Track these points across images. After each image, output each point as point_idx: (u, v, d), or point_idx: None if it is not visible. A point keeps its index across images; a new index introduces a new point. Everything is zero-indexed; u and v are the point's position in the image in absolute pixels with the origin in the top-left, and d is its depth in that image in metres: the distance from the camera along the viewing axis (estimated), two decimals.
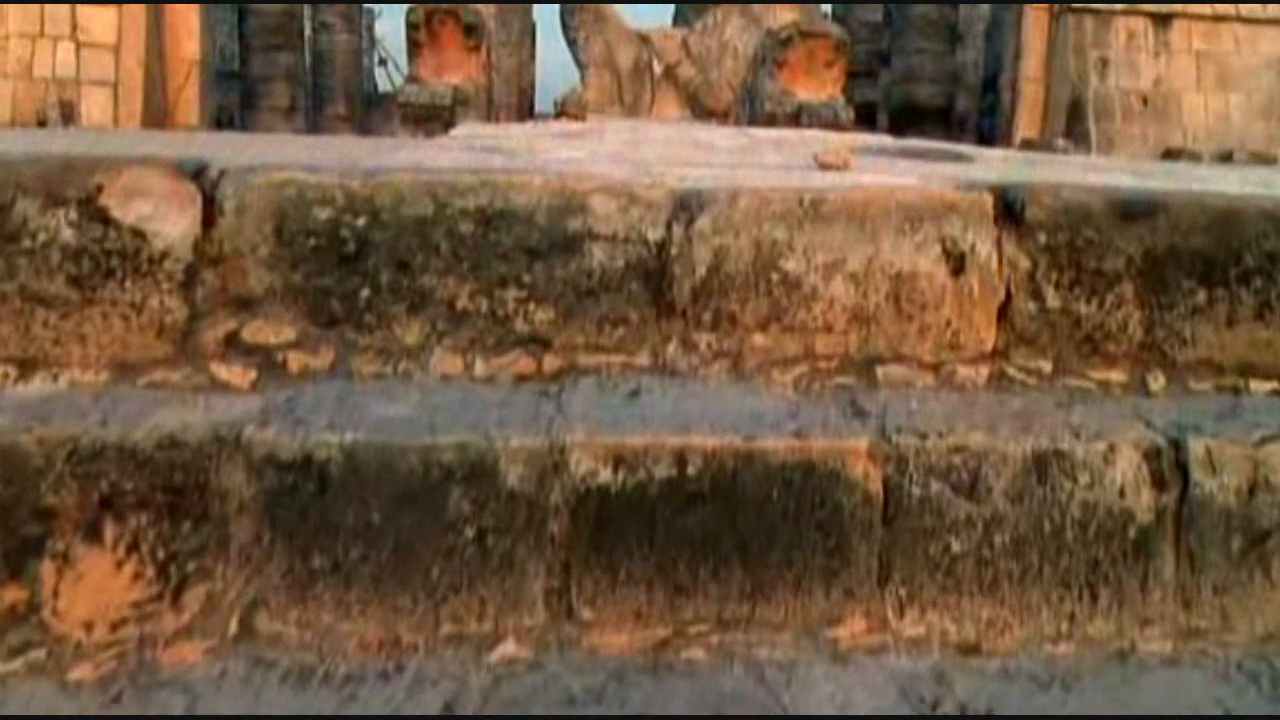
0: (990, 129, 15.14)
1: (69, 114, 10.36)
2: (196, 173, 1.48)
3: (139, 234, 1.40)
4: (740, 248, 1.46)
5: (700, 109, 6.10)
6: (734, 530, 1.24)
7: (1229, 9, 10.93)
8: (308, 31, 19.20)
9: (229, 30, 16.08)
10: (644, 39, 6.07)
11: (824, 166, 2.31)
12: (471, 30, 9.79)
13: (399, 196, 1.42)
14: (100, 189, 1.40)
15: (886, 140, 3.53)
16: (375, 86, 22.49)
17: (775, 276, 1.46)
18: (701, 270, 1.46)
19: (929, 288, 1.49)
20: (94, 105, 10.43)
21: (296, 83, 15.24)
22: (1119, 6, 11.16)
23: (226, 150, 2.01)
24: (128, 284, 1.39)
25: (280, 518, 1.21)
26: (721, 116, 6.20)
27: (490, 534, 1.23)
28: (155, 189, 1.43)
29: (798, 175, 2.00)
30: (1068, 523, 1.29)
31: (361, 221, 1.42)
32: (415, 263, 1.43)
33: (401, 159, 1.99)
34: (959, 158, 3.05)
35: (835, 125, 9.11)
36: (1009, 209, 1.54)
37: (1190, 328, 1.57)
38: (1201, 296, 1.56)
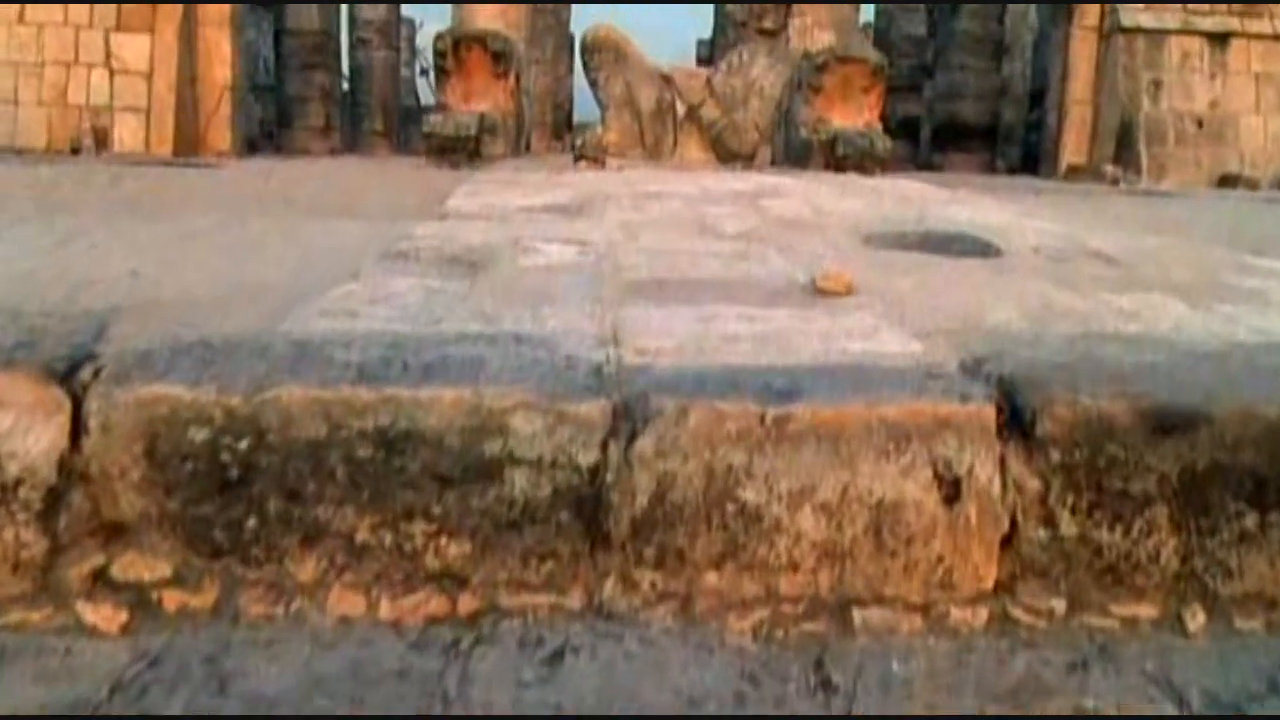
0: (1036, 145, 14.66)
1: (102, 140, 10.41)
2: (69, 371, 1.29)
3: None
4: (689, 474, 1.23)
5: (725, 151, 5.87)
6: None
7: None
8: (345, 47, 19.29)
9: (270, 45, 16.16)
10: (666, 79, 5.86)
11: (822, 292, 2.07)
12: (500, 57, 9.64)
13: (287, 417, 1.21)
14: None
15: (908, 220, 3.27)
16: (417, 98, 22.55)
17: (731, 507, 1.24)
18: (643, 499, 1.23)
19: (917, 518, 1.25)
20: (126, 131, 10.46)
21: (332, 101, 15.27)
22: (1173, 26, 10.69)
23: (148, 282, 1.83)
24: None
25: None
26: (747, 159, 5.95)
27: None
28: (18, 399, 1.25)
29: (782, 319, 1.76)
30: None
31: (244, 444, 1.22)
32: (308, 490, 1.23)
33: (334, 300, 1.79)
34: (985, 251, 2.79)
35: (871, 155, 8.83)
36: (1016, 418, 1.30)
37: (1236, 556, 1.31)
38: (1251, 520, 1.30)
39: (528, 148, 11.89)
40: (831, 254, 2.70)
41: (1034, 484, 1.28)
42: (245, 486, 1.23)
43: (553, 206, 3.54)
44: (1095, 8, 11.05)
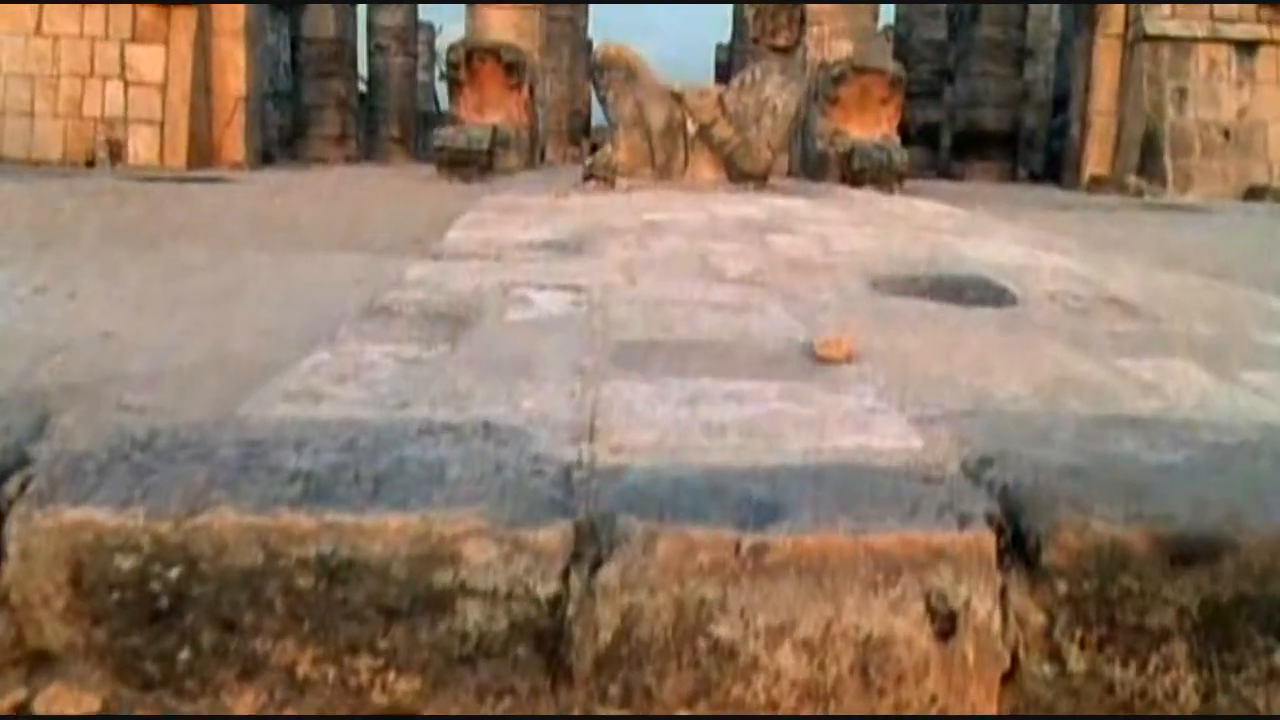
0: (1059, 151, 14.43)
1: (117, 152, 10.42)
2: None
3: None
4: (658, 607, 1.13)
5: (737, 171, 5.76)
6: None
7: None
8: (363, 54, 19.32)
9: (289, 51, 16.18)
10: (677, 97, 5.75)
11: (821, 360, 1.96)
12: (513, 69, 9.59)
13: (220, 544, 1.12)
14: None
15: (920, 260, 3.15)
16: (436, 103, 22.55)
17: (703, 643, 1.13)
18: (608, 634, 1.13)
19: (908, 655, 1.14)
20: (140, 143, 10.47)
21: (348, 110, 15.27)
22: (1200, 34, 10.47)
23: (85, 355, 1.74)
24: None
25: None
26: (759, 178, 5.84)
27: None
28: None
29: (774, 400, 1.65)
30: None
31: (175, 573, 1.12)
32: (245, 621, 1.13)
33: (302, 375, 1.70)
34: (999, 298, 2.67)
35: (888, 169, 8.69)
36: (1019, 542, 1.18)
37: (1264, 695, 1.19)
38: None
39: (543, 157, 11.82)
40: (837, 302, 2.59)
41: (1038, 617, 1.16)
42: (177, 617, 1.14)
43: (552, 243, 3.44)
44: (1119, 14, 10.85)
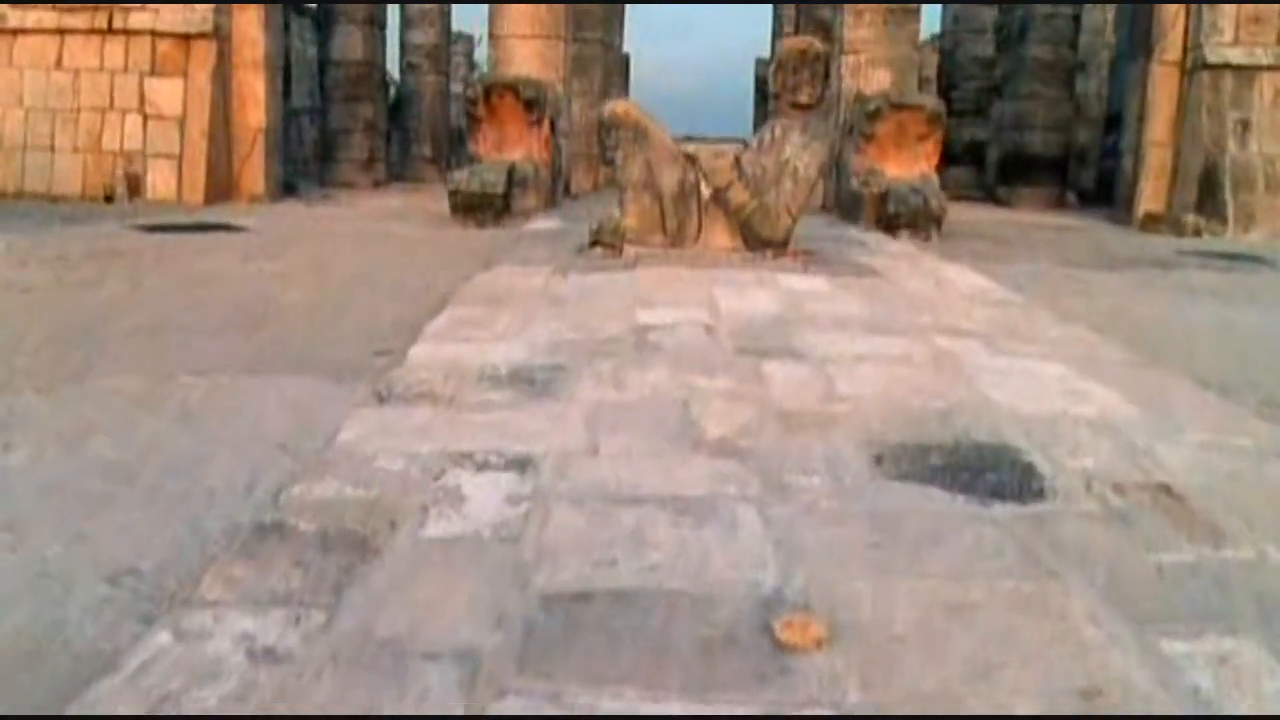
0: (1111, 171, 13.74)
1: (135, 187, 10.29)
2: None
3: None
4: None
5: (754, 238, 5.37)
6: None
7: None
8: (397, 71, 19.18)
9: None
10: (690, 158, 5.36)
11: (784, 646, 1.56)
12: (532, 105, 9.26)
13: None
14: None
15: (937, 413, 2.72)
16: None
17: None
18: None
19: None
20: (159, 178, 10.32)
21: (375, 133, 15.07)
22: (1265, 61, 9.81)
23: None
24: None
25: None
26: (779, 246, 5.43)
27: None
28: None
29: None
30: None
31: None
32: None
33: (119, 685, 1.34)
34: (1025, 489, 2.24)
35: (924, 214, 8.23)
36: None
37: None
38: None
39: (567, 189, 11.47)
40: (829, 495, 2.18)
41: None
42: None
43: (521, 372, 3.06)
44: (1177, 41, 10.22)
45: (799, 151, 5.39)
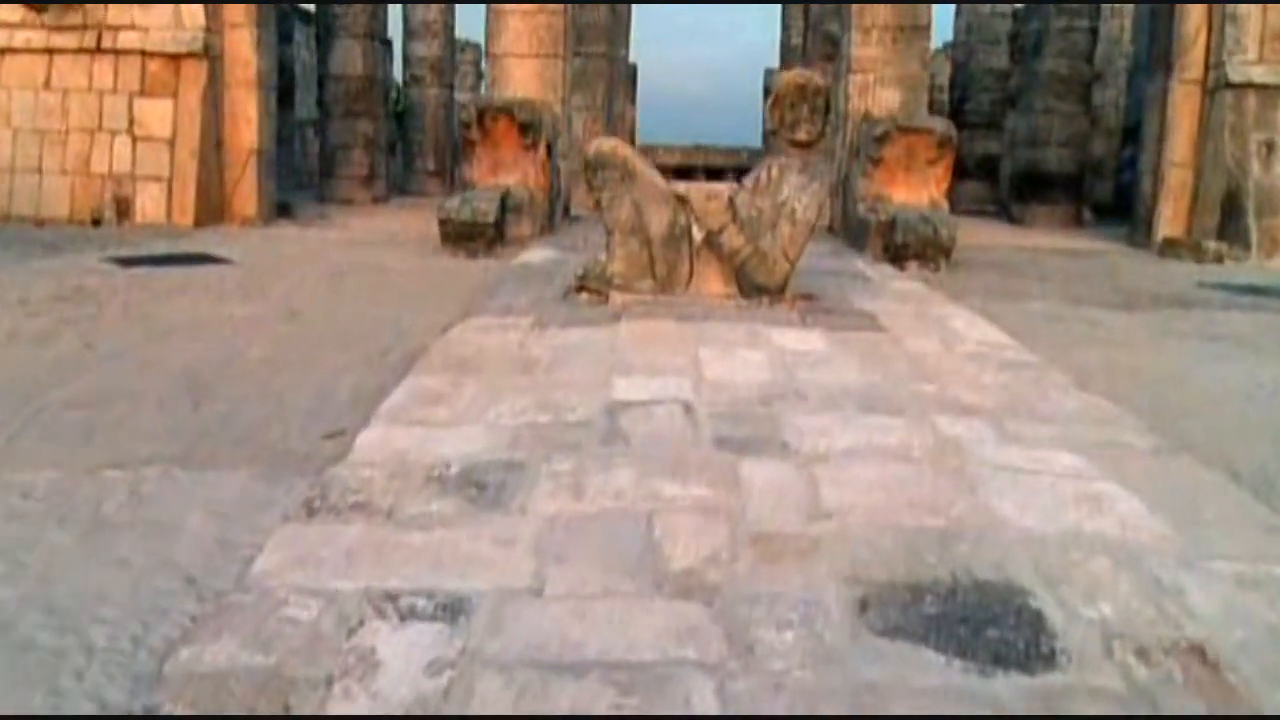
0: (1129, 185, 13.34)
1: (124, 210, 10.06)
2: None
3: None
4: None
5: (749, 285, 5.07)
6: None
7: None
8: (401, 84, 18.95)
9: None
10: (681, 199, 5.06)
11: None
12: (528, 129, 8.98)
13: None
14: None
15: (936, 534, 2.41)
16: None
17: None
18: None
19: None
20: (148, 200, 10.09)
21: (376, 149, 14.83)
22: None
23: None
24: None
25: None
26: (776, 292, 5.12)
27: None
28: None
29: None
30: None
31: None
32: None
33: None
34: (1032, 655, 1.94)
35: (933, 244, 7.91)
36: None
37: None
38: None
39: (566, 211, 11.17)
40: (800, 660, 1.87)
41: None
42: None
43: (473, 472, 2.76)
44: (1199, 59, 9.85)
45: (798, 193, 5.08)
